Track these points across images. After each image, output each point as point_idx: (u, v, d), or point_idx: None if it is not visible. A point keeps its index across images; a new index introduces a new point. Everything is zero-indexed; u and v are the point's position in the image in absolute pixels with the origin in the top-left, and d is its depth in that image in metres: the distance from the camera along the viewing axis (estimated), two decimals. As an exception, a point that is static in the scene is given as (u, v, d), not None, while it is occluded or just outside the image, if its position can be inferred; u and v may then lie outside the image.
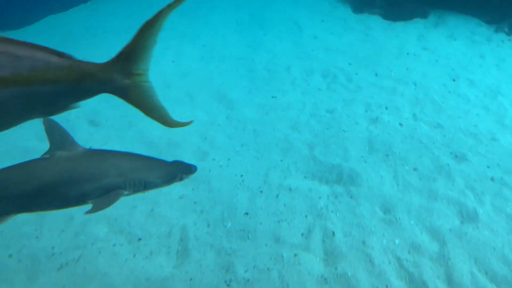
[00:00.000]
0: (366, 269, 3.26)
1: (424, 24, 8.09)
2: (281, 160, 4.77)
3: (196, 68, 6.79)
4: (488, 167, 4.48)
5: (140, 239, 3.59)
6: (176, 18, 8.64)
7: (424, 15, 8.31)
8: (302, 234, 3.68)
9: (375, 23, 8.24)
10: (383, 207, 4.01)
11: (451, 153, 4.76)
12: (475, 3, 8.00)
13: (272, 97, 6.00)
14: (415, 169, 4.52)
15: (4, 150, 4.88)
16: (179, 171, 2.70)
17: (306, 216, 3.90)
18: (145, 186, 2.55)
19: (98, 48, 7.54)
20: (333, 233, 3.67)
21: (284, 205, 4.05)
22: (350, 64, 6.82)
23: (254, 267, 3.31)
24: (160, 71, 6.64)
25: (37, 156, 2.34)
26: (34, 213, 2.49)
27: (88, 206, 2.39)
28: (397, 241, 3.55)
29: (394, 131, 5.23)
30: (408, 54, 7.06)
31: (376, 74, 6.50)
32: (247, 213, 3.92)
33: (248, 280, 3.16)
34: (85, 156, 2.43)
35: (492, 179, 4.28)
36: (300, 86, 6.29)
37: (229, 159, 4.74)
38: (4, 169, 2.32)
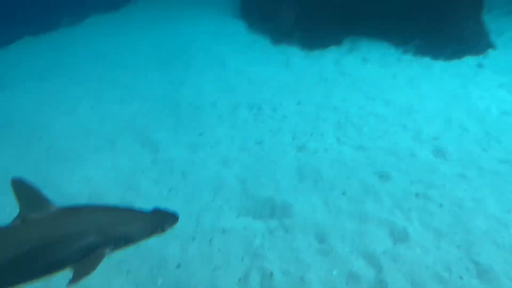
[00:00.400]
0: (306, 308, 3.17)
1: (339, 51, 8.50)
2: (213, 200, 4.62)
3: (117, 111, 6.51)
4: (411, 183, 4.65)
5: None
6: (94, 61, 8.33)
7: (338, 42, 8.74)
8: (240, 279, 3.51)
9: (294, 53, 8.51)
10: (318, 236, 3.97)
11: (375, 173, 4.89)
12: (384, 28, 8.57)
13: (200, 134, 5.88)
14: (344, 193, 4.58)
15: None
16: (161, 221, 2.52)
17: (242, 258, 3.75)
18: (125, 241, 2.38)
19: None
20: (271, 273, 3.55)
21: (219, 250, 3.87)
22: (274, 94, 6.92)
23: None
24: (77, 118, 6.29)
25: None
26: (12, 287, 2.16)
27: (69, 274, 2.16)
28: (334, 272, 3.51)
29: (321, 157, 5.30)
30: (326, 80, 7.33)
31: (299, 103, 6.64)
32: (179, 266, 3.69)
33: None
34: (59, 215, 2.24)
35: (416, 195, 4.44)
36: (227, 120, 6.24)
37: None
38: None
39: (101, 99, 6.84)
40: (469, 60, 7.56)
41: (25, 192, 2.23)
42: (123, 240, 2.37)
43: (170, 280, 3.51)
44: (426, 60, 7.79)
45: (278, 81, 7.35)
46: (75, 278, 2.11)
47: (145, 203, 4.53)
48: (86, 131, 5.94)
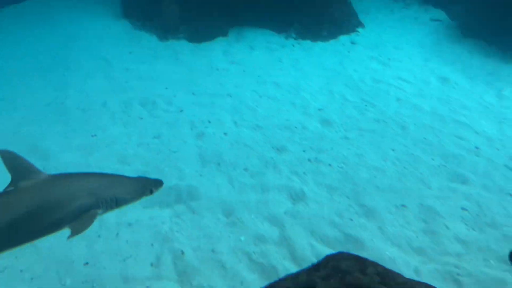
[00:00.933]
0: (220, 275, 3.29)
1: (226, 41, 8.74)
2: (115, 197, 4.49)
3: (-4, 124, 5.94)
4: (304, 151, 5.04)
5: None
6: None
7: (225, 34, 8.98)
8: (152, 264, 3.51)
9: (183, 47, 8.54)
10: (225, 212, 4.12)
11: (272, 147, 5.20)
12: (266, 17, 9.02)
13: (92, 136, 5.64)
14: (246, 170, 4.79)
15: None
16: (148, 184, 2.68)
17: (152, 244, 3.74)
18: (116, 202, 2.51)
19: None
20: (182, 252, 3.60)
21: (127, 241, 3.81)
22: (166, 88, 6.90)
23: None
24: None
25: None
26: (13, 249, 2.35)
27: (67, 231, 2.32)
28: (242, 238, 3.68)
29: (220, 141, 5.46)
30: (218, 69, 7.51)
31: (193, 93, 6.72)
32: (87, 263, 3.55)
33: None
34: (50, 181, 2.37)
35: (309, 160, 4.83)
36: (120, 119, 6.07)
37: (55, 212, 4.24)
38: None
39: (-26, 114, 6.18)
40: (343, 39, 8.33)
41: (14, 162, 2.35)
42: (114, 202, 2.51)
43: (79, 278, 3.37)
44: (307, 42, 8.40)
45: (170, 76, 7.34)
46: (72, 235, 2.34)
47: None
48: (-41, 148, 5.34)
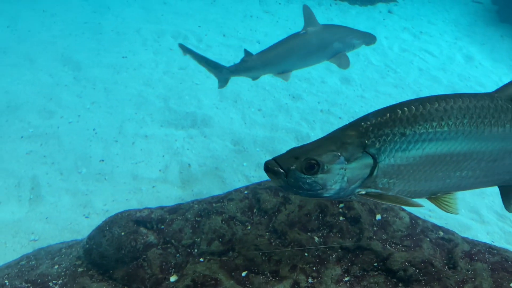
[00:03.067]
0: (219, 188, 3.62)
1: (265, -9, 8.78)
2: (136, 113, 4.83)
3: (36, 32, 6.30)
4: (318, 102, 5.23)
5: (-17, 193, 3.36)
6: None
7: (265, -16, 9.00)
8: (160, 170, 3.86)
9: (222, -10, 8.64)
10: (233, 141, 4.42)
11: (289, 95, 5.41)
12: (308, -26, 8.98)
13: (123, 57, 5.95)
14: (259, 110, 5.04)
15: None
16: (369, 36, 3.82)
17: (163, 156, 4.09)
18: (353, 46, 3.72)
19: None
20: (189, 165, 3.94)
21: (141, 149, 4.16)
22: (199, 26, 7.09)
23: (113, 200, 3.39)
24: (-9, 36, 6.00)
25: None
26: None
27: None
28: (245, 164, 3.99)
29: (241, 81, 5.68)
30: (251, 16, 7.63)
31: (224, 35, 6.89)
32: (102, 160, 3.93)
33: (107, 210, 3.24)
34: (324, 28, 3.63)
35: (321, 111, 5.04)
36: (151, 46, 6.34)
37: (79, 116, 4.62)
38: (276, 44, 3.69)
39: (18, 20, 6.53)
40: (381, 7, 8.27)
41: (307, 15, 3.55)
42: (352, 46, 3.68)
43: (93, 170, 3.75)
44: (344, 4, 8.37)
45: (205, 15, 7.50)
46: (341, 65, 3.64)
47: (68, 114, 4.64)
48: (1, 48, 5.73)
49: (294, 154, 1.75)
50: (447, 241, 2.63)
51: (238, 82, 5.67)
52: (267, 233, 2.38)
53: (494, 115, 1.86)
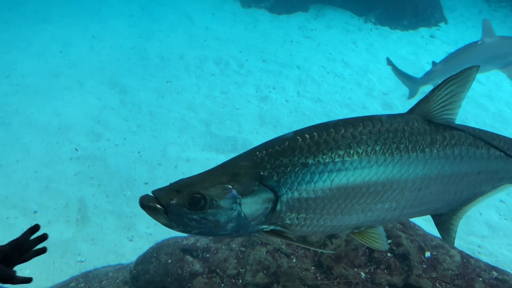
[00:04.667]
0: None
1: (305, 16, 8.88)
2: (179, 137, 4.94)
3: (86, 58, 6.63)
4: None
5: (35, 212, 3.51)
6: (61, 8, 8.29)
7: (305, 9, 9.11)
8: (201, 195, 3.91)
9: (262, 16, 8.81)
10: (274, 167, 4.41)
11: (329, 120, 5.37)
12: (348, -1, 9.04)
13: (167, 82, 6.14)
14: (300, 135, 5.03)
15: None
16: None
17: (204, 180, 4.13)
18: None
19: None
20: (229, 191, 3.96)
21: (183, 173, 4.23)
22: (240, 52, 7.23)
23: (155, 224, 3.44)
24: (47, 61, 6.37)
25: None
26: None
27: None
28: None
29: (281, 107, 5.73)
30: (291, 42, 7.71)
31: (264, 60, 6.99)
32: (146, 183, 4.03)
33: (150, 234, 3.29)
34: (502, 40, 4.02)
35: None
36: (194, 72, 6.52)
37: (125, 138, 4.78)
38: (456, 52, 4.34)
39: (70, 46, 6.91)
40: (423, 31, 8.15)
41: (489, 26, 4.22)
42: None
43: (137, 193, 3.82)
44: (385, 29, 8.31)
45: (245, 41, 7.65)
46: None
47: (114, 136, 4.81)
48: (55, 72, 6.05)
49: (176, 187, 1.56)
50: (501, 282, 2.49)
51: (278, 107, 5.71)
52: (313, 267, 2.34)
53: (411, 139, 1.66)
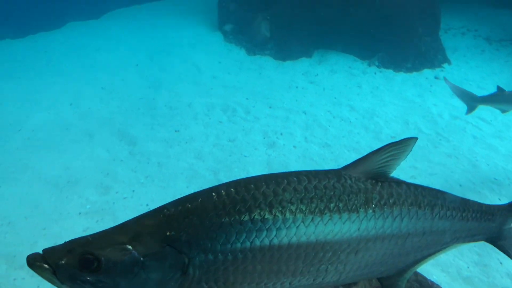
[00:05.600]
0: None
1: (309, 62, 9.06)
2: (187, 187, 4.93)
3: (96, 109, 6.76)
4: (369, 174, 5.11)
5: (41, 273, 3.44)
6: (71, 60, 8.57)
7: (309, 55, 9.31)
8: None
9: (267, 63, 9.01)
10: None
11: (338, 166, 5.33)
12: (351, 43, 9.21)
13: (176, 131, 6.21)
14: (309, 182, 4.98)
15: None
16: None
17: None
18: None
19: None
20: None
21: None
22: (247, 99, 7.34)
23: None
24: (57, 114, 6.50)
25: None
26: None
27: None
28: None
29: (289, 153, 5.73)
30: (297, 87, 7.83)
31: (270, 106, 7.08)
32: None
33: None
34: None
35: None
36: (202, 120, 6.60)
37: (133, 191, 4.77)
38: None
39: (80, 97, 7.07)
40: (427, 73, 8.25)
41: None
42: None
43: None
44: (389, 72, 8.43)
45: (251, 88, 7.78)
46: None
47: (123, 189, 4.81)
48: (65, 125, 6.17)
49: (68, 246, 1.43)
50: None
51: (286, 154, 5.71)
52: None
53: (342, 199, 1.56)
